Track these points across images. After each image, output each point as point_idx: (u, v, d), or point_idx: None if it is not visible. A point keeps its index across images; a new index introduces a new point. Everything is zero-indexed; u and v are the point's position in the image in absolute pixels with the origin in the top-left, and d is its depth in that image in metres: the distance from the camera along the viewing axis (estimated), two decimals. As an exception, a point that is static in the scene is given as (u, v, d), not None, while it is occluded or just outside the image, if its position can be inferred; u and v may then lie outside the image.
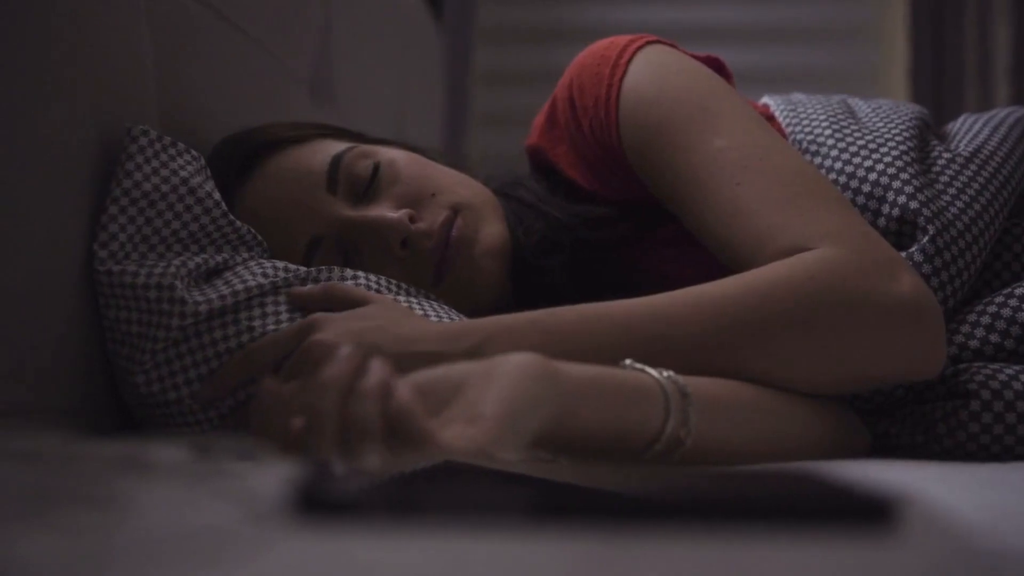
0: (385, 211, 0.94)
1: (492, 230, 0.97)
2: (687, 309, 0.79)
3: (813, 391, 0.82)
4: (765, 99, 1.08)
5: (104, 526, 0.36)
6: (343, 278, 0.89)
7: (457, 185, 0.99)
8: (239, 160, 0.98)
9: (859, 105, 1.05)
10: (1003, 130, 1.01)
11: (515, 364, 0.62)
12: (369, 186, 0.96)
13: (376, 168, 0.96)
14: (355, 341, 0.77)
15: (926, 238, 0.88)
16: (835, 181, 0.93)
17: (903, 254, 0.88)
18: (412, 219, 0.94)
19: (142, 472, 0.44)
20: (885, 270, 0.80)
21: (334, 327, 0.80)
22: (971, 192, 0.93)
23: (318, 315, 0.82)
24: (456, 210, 0.96)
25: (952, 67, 2.59)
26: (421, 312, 0.86)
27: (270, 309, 0.85)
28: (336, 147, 0.98)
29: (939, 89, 2.58)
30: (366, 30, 1.70)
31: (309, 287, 0.86)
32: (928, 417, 0.88)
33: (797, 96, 1.08)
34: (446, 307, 0.91)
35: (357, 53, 1.63)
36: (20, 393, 0.80)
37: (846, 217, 0.84)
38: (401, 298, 0.89)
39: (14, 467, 0.44)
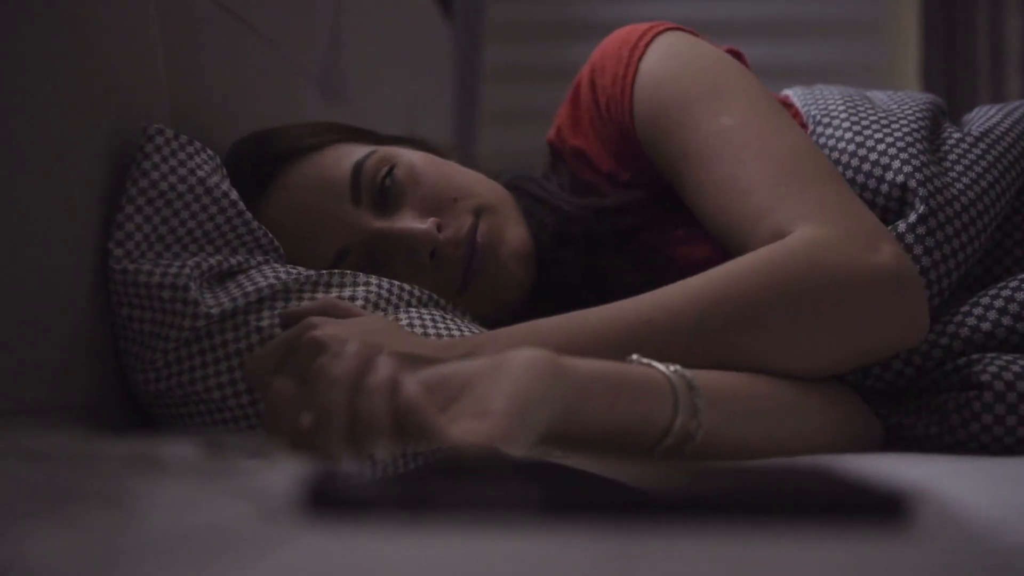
0: (412, 222, 0.95)
1: (516, 232, 0.98)
2: (675, 305, 0.80)
3: (810, 372, 0.82)
4: (786, 91, 1.09)
5: (114, 524, 0.36)
6: (355, 283, 0.89)
7: (477, 186, 1.00)
8: (257, 170, 0.98)
9: (876, 94, 1.07)
10: (1016, 114, 1.02)
11: (523, 359, 0.62)
12: (392, 193, 0.96)
13: (397, 173, 0.97)
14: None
15: (924, 208, 0.89)
16: (844, 151, 0.94)
17: (901, 224, 0.89)
18: (439, 227, 0.95)
19: (153, 470, 0.44)
20: (863, 242, 0.81)
21: (331, 328, 0.78)
22: (978, 170, 0.94)
23: (313, 319, 0.79)
24: (479, 213, 0.97)
25: (964, 62, 2.58)
26: (422, 329, 0.87)
27: (279, 310, 0.86)
28: (355, 153, 0.98)
29: (951, 84, 2.57)
30: (376, 27, 1.70)
31: (303, 304, 0.85)
32: (941, 408, 0.88)
33: (819, 85, 1.09)
34: (458, 321, 0.91)
35: (367, 50, 1.63)
36: (33, 391, 0.80)
37: (835, 195, 0.85)
38: (413, 310, 0.90)
39: (26, 465, 0.44)
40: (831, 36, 2.73)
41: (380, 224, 0.95)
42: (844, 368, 0.86)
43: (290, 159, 0.98)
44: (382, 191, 0.96)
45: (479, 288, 0.96)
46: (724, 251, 0.88)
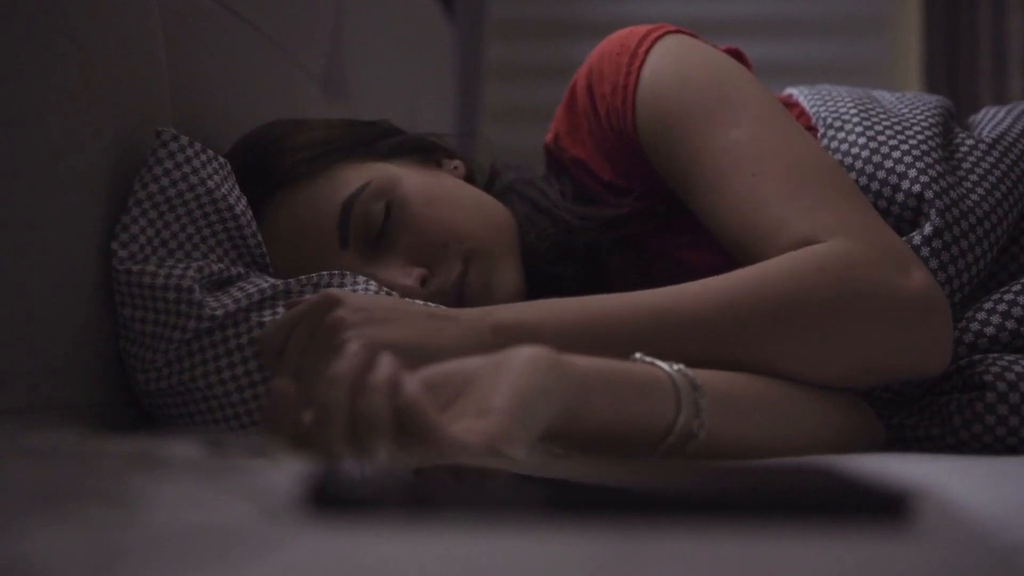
0: (398, 274, 0.93)
1: (505, 278, 0.96)
2: (695, 301, 0.79)
3: (822, 384, 0.82)
4: (789, 90, 1.08)
5: (116, 522, 0.36)
6: (355, 283, 0.89)
7: (471, 224, 0.96)
8: (251, 191, 0.95)
9: (883, 95, 1.05)
10: None
11: (524, 358, 0.62)
12: (381, 235, 0.94)
13: (388, 212, 0.94)
14: (376, 312, 0.78)
15: (940, 221, 0.88)
16: (857, 157, 0.92)
17: (916, 235, 0.88)
18: (424, 280, 0.93)
19: (155, 468, 0.44)
20: (895, 265, 0.80)
21: (354, 300, 0.79)
22: (992, 179, 0.92)
23: (336, 291, 0.81)
24: (469, 259, 0.95)
25: (966, 59, 2.57)
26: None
27: (280, 309, 0.86)
28: (348, 183, 0.95)
29: (953, 82, 2.57)
30: (378, 25, 1.70)
31: (308, 297, 0.85)
32: (943, 409, 0.87)
33: (823, 85, 1.08)
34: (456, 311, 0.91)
35: (369, 48, 1.63)
36: (35, 390, 0.80)
37: (859, 210, 0.84)
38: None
39: (28, 464, 0.44)
40: (832, 34, 2.73)
41: (366, 271, 0.93)
42: (855, 384, 0.86)
43: (283, 186, 0.96)
44: (371, 229, 0.94)
45: None
46: (730, 257, 0.87)
